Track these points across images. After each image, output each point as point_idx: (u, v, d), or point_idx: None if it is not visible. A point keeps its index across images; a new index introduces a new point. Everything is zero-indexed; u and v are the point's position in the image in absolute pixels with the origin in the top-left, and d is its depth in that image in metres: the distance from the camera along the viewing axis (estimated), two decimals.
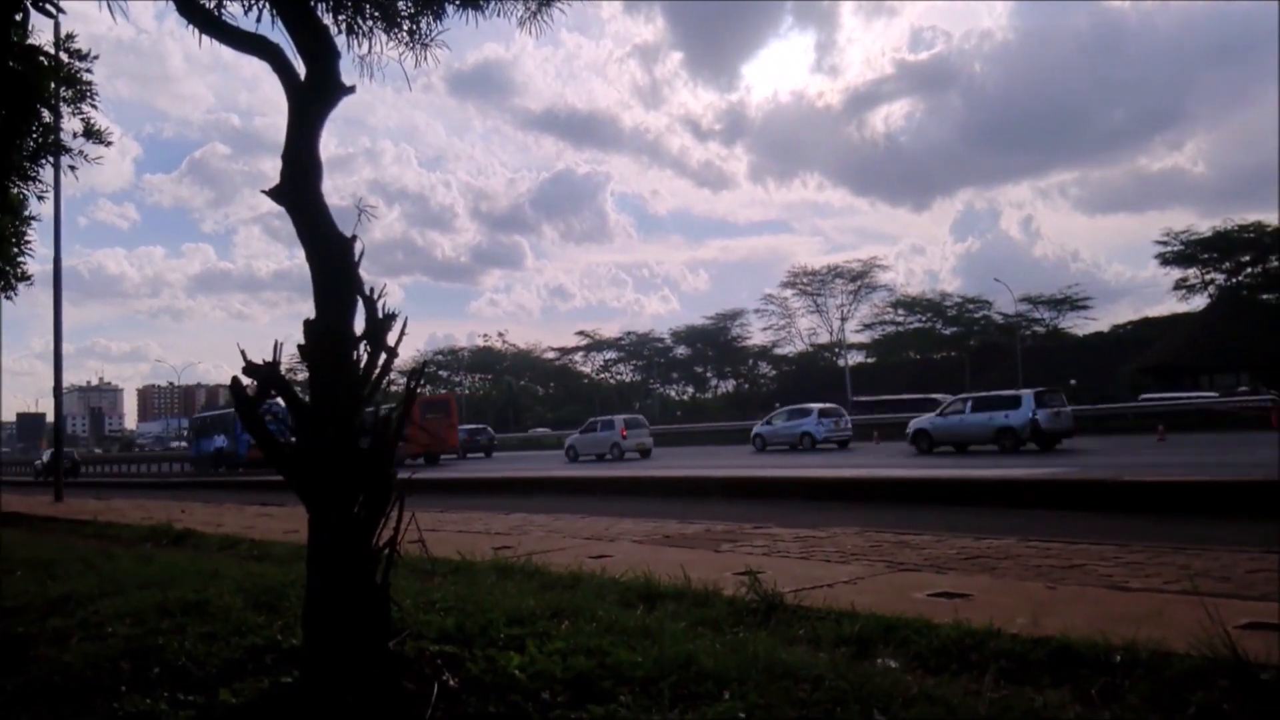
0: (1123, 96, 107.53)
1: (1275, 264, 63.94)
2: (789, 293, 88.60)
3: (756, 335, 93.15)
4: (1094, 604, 3.81)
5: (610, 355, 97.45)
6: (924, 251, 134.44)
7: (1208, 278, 66.78)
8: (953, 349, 79.25)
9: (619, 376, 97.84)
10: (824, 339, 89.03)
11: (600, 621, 3.55)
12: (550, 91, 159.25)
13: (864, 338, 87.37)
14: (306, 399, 3.16)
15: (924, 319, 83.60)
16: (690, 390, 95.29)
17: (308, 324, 3.21)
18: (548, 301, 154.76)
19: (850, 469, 17.07)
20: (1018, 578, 4.57)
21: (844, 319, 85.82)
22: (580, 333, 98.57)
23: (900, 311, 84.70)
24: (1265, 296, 63.26)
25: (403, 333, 3.26)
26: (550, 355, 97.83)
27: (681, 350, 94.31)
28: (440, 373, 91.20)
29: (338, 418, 3.14)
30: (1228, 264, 65.60)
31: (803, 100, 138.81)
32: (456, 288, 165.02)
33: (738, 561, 5.27)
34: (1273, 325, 54.06)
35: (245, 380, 3.18)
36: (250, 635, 3.62)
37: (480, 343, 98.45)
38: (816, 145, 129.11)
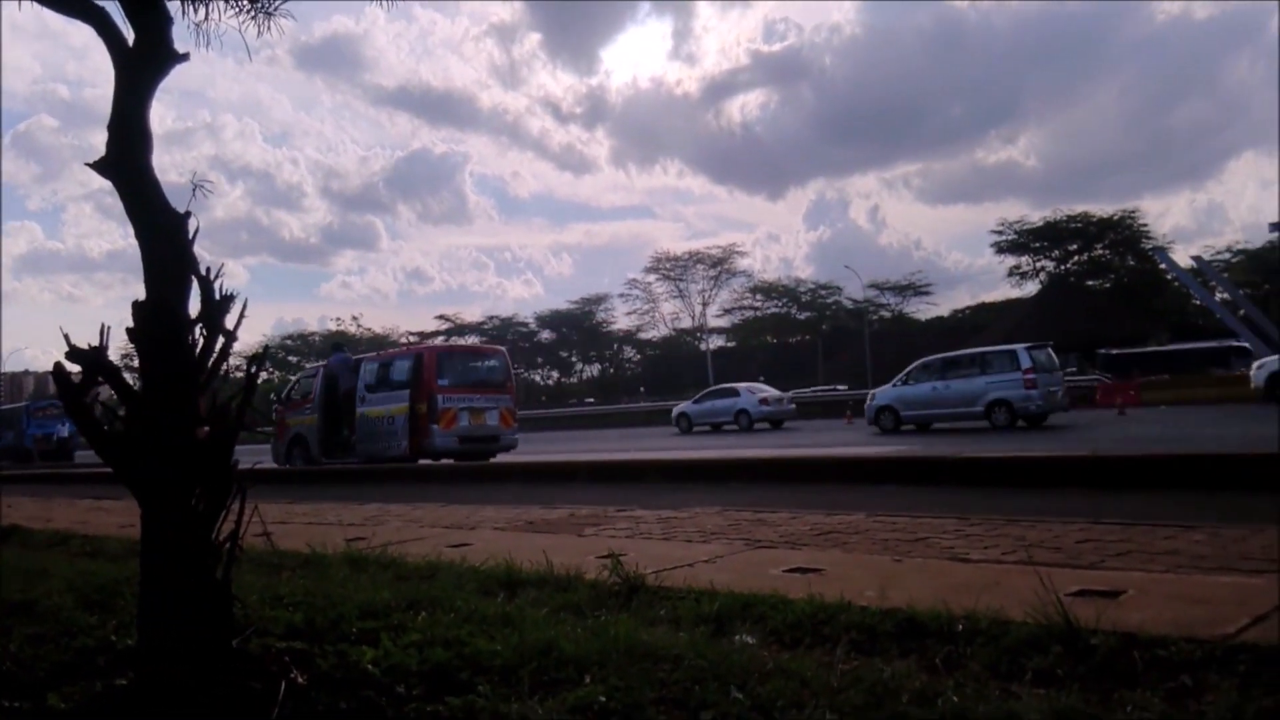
0: (961, 93, 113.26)
1: (1100, 252, 68.72)
2: (652, 278, 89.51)
3: (621, 320, 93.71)
4: (938, 575, 3.98)
5: (473, 340, 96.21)
6: (779, 239, 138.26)
7: (1039, 265, 71.26)
8: (807, 333, 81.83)
9: None
10: (687, 323, 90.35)
11: (459, 611, 3.47)
12: (404, 68, 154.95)
13: (724, 322, 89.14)
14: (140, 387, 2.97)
15: (780, 304, 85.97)
16: (555, 375, 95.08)
17: (137, 305, 3.01)
18: (405, 284, 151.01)
19: (709, 450, 17.40)
20: (867, 552, 4.74)
21: (705, 304, 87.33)
22: (440, 316, 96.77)
23: (758, 297, 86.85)
24: (1090, 283, 68.00)
25: (242, 315, 3.09)
26: (409, 340, 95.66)
27: (546, 335, 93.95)
28: (290, 358, 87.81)
29: (171, 406, 2.95)
30: (1057, 252, 70.14)
31: (661, 87, 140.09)
32: (306, 269, 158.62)
33: (601, 545, 5.27)
34: (1098, 310, 58.15)
35: (71, 366, 2.96)
36: (82, 636, 3.38)
37: (333, 327, 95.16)
38: (676, 132, 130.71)
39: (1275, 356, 27.64)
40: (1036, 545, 4.60)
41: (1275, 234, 40.35)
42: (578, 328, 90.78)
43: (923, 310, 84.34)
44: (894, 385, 23.47)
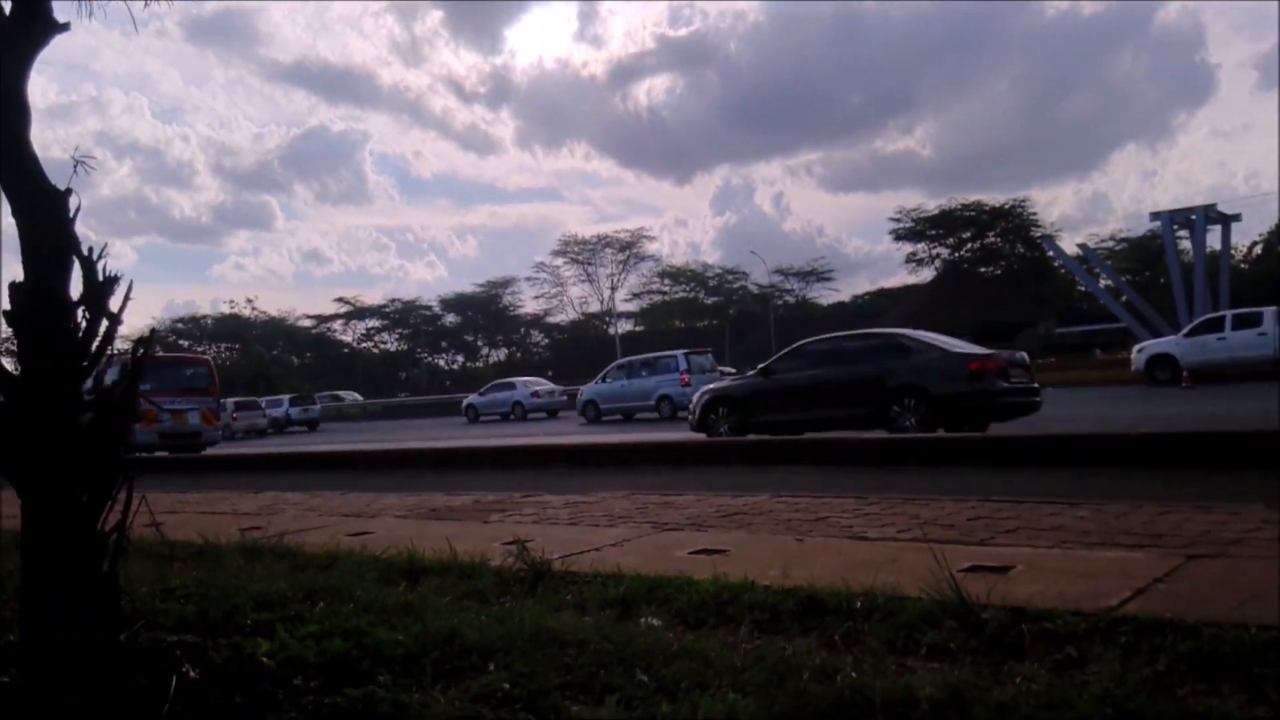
0: (861, 83, 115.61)
1: (992, 240, 71.20)
2: (560, 261, 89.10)
3: (529, 303, 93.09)
4: (838, 554, 4.07)
5: (373, 323, 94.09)
6: (686, 224, 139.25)
7: (934, 252, 73.50)
8: (714, 317, 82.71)
9: (383, 345, 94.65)
10: (595, 307, 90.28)
11: (359, 601, 3.40)
12: (300, 43, 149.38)
13: (633, 306, 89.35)
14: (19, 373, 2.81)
15: (688, 289, 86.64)
16: (461, 359, 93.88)
17: (14, 287, 2.85)
18: (302, 266, 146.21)
19: (618, 434, 17.44)
20: (771, 532, 4.82)
21: (614, 288, 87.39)
22: (339, 299, 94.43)
23: (666, 281, 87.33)
24: (983, 269, 70.42)
25: (128, 297, 2.95)
26: (306, 323, 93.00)
27: (451, 318, 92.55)
28: (181, 342, 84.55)
29: (52, 392, 2.80)
30: (951, 240, 72.44)
31: (568, 69, 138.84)
32: (198, 250, 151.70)
33: (507, 531, 5.23)
34: (989, 295, 60.25)
35: None
36: None
37: (226, 309, 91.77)
38: (583, 115, 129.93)
39: (1155, 340, 29.14)
40: (931, 523, 4.74)
41: (1155, 223, 42.45)
42: (484, 311, 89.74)
43: (825, 295, 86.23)
44: (595, 383, 28.17)
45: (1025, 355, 13.99)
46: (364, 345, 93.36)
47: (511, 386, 37.54)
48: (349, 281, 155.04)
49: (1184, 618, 2.64)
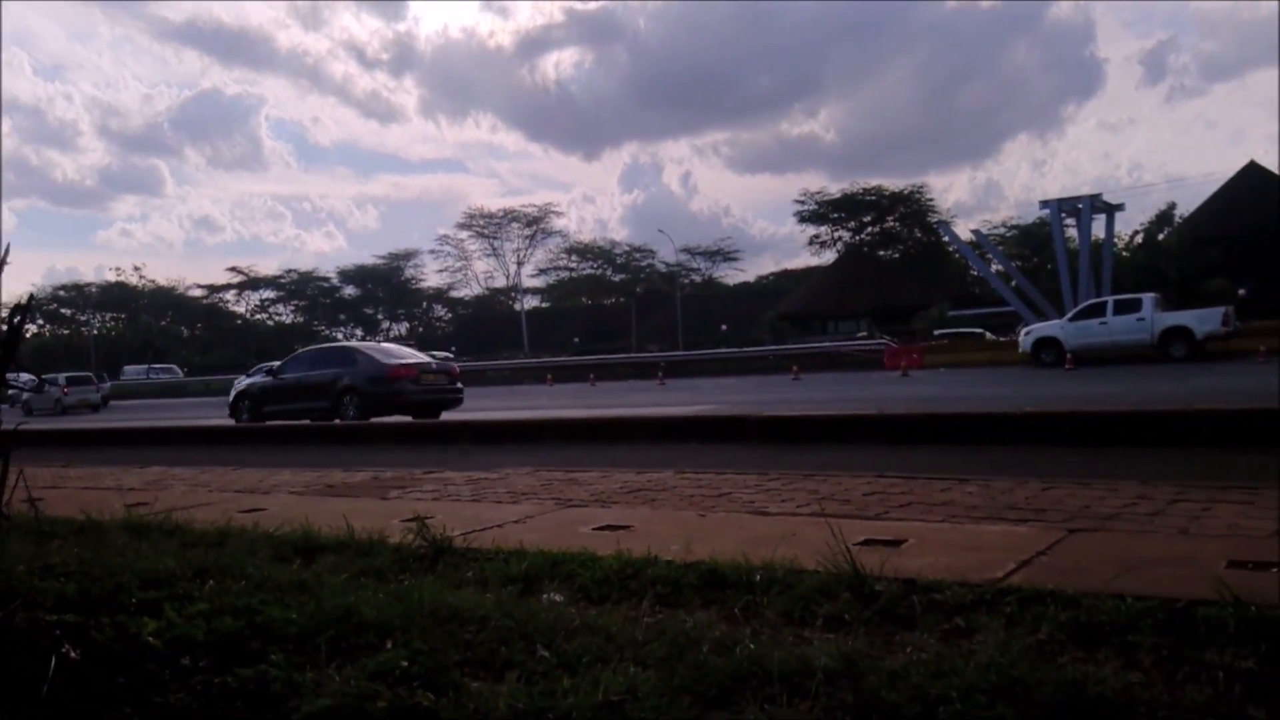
0: (768, 65, 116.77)
1: (891, 224, 73.00)
2: (465, 234, 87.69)
3: (432, 277, 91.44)
4: (739, 529, 4.13)
5: (268, 294, 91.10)
6: (595, 200, 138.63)
7: (836, 235, 74.94)
8: (621, 295, 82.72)
9: (278, 317, 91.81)
10: (501, 283, 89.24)
11: (250, 579, 3.29)
12: (192, 1, 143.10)
13: (540, 282, 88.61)
14: None
15: (595, 266, 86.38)
16: (360, 333, 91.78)
17: None
18: (192, 233, 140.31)
19: (525, 410, 17.33)
20: (674, 508, 4.86)
21: (520, 263, 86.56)
22: (232, 269, 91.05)
23: (574, 258, 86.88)
24: (882, 253, 72.20)
25: (3, 261, 2.79)
26: (197, 293, 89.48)
27: (350, 290, 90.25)
28: (63, 310, 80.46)
29: None
30: (853, 223, 73.95)
31: (474, 38, 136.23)
32: (82, 214, 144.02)
33: (406, 508, 5.14)
34: (887, 278, 61.87)
35: None
36: None
37: (112, 277, 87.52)
38: (489, 86, 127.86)
39: (1041, 324, 30.38)
40: (828, 498, 4.86)
41: (1045, 211, 44.14)
42: (385, 284, 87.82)
43: (731, 275, 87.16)
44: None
45: (451, 360, 19.29)
46: (258, 317, 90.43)
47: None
48: (243, 251, 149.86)
49: (1064, 589, 2.76)
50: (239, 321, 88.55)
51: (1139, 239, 53.59)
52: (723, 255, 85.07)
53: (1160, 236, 51.95)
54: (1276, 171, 53.31)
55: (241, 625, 2.77)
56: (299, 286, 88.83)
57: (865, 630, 2.58)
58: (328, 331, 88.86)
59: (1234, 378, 16.20)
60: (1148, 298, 26.84)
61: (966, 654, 2.31)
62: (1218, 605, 2.44)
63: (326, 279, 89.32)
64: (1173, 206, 55.20)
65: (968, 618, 2.63)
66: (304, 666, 2.49)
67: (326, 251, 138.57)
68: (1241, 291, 42.34)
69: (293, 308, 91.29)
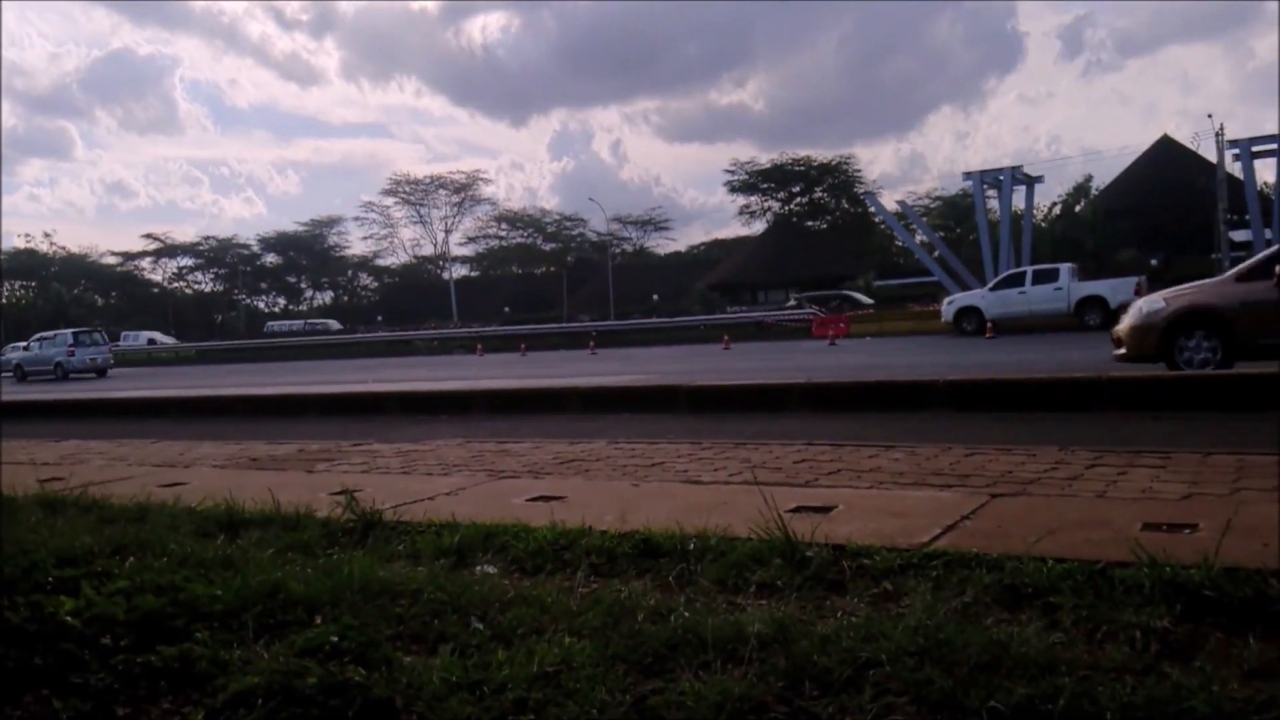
0: (697, 33, 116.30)
1: (819, 195, 73.73)
2: (390, 201, 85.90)
3: (356, 245, 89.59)
4: (673, 498, 4.15)
5: (186, 262, 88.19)
6: (524, 168, 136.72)
7: (766, 205, 75.39)
8: (552, 264, 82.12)
9: (197, 285, 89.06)
10: (428, 251, 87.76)
11: (173, 555, 3.21)
12: None
13: (468, 251, 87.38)
14: None
15: (526, 234, 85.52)
16: (282, 302, 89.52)
17: None
18: (105, 199, 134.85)
19: (453, 380, 17.13)
20: (608, 478, 4.86)
21: (448, 231, 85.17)
22: (148, 235, 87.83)
23: (503, 226, 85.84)
24: (810, 223, 72.92)
25: None
26: (111, 260, 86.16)
27: (271, 258, 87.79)
28: None
29: None
30: (782, 193, 74.44)
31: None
32: None
33: (334, 481, 5.05)
34: (816, 249, 62.57)
35: None
36: None
37: (20, 244, 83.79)
38: (413, 49, 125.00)
39: (963, 294, 31.07)
40: (760, 466, 4.91)
41: (967, 183, 45.03)
42: (307, 251, 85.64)
43: (662, 245, 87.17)
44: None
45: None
46: (175, 285, 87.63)
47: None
48: (158, 217, 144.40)
49: (988, 552, 2.84)
50: (155, 290, 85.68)
51: (1057, 210, 55.02)
52: (654, 224, 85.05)
53: (1077, 208, 53.40)
54: (1188, 145, 55.15)
55: (164, 603, 2.69)
56: (218, 254, 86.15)
57: (797, 596, 2.61)
58: (248, 300, 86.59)
59: None
60: (1065, 268, 27.63)
61: (895, 617, 2.36)
62: (1134, 567, 2.53)
63: (246, 246, 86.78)
64: (1089, 179, 56.77)
65: (896, 582, 2.69)
66: (230, 644, 2.44)
67: (246, 218, 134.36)
68: (1153, 262, 43.85)
69: (212, 276, 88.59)
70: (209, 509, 4.09)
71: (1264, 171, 40.16)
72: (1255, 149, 37.39)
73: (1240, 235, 41.53)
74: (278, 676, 2.20)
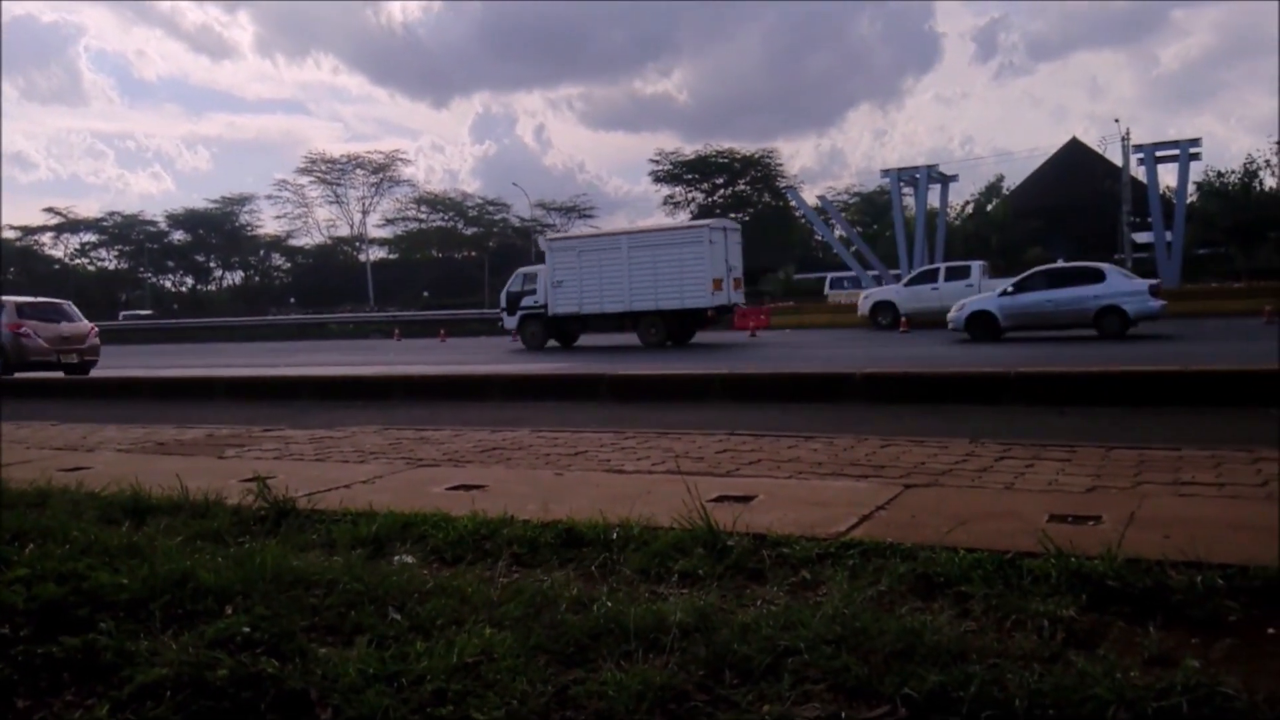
0: (622, 21, 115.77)
1: (742, 187, 74.41)
2: (305, 180, 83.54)
3: (269, 224, 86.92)
4: (596, 487, 4.15)
5: (89, 238, 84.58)
6: (444, 150, 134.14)
7: (690, 196, 75.72)
8: (474, 249, 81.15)
9: (101, 262, 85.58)
10: (344, 232, 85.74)
11: (75, 543, 3.09)
12: None
13: (386, 233, 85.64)
14: None
15: (446, 218, 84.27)
16: (190, 281, 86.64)
17: None
18: (4, 170, 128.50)
19: (369, 367, 16.83)
20: (530, 467, 4.83)
21: (365, 212, 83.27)
22: (49, 209, 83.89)
23: (423, 209, 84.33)
24: (733, 215, 73.53)
25: None
26: (10, 235, 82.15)
27: (179, 236, 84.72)
28: None
29: None
30: (706, 185, 74.90)
31: None
32: None
33: (245, 467, 4.92)
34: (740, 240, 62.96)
35: None
36: None
37: None
38: (330, 25, 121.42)
39: (879, 288, 31.74)
40: (683, 456, 4.94)
41: (885, 180, 46.00)
42: (217, 230, 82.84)
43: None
44: None
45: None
46: (78, 262, 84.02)
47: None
48: (60, 191, 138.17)
49: (903, 542, 2.91)
50: (57, 266, 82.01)
51: (970, 209, 56.54)
52: (578, 212, 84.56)
53: (989, 207, 54.97)
54: (1096, 149, 57.22)
55: (66, 592, 2.60)
56: (123, 230, 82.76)
57: (718, 585, 2.64)
58: (155, 279, 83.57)
59: (1050, 343, 17.41)
60: (976, 265, 28.43)
61: (813, 606, 2.40)
62: (1042, 557, 2.62)
63: (153, 223, 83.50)
64: (1001, 179, 58.46)
65: (814, 571, 2.74)
66: (137, 634, 2.36)
67: (153, 194, 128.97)
68: (1060, 261, 45.42)
69: (116, 253, 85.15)
70: (114, 495, 3.94)
71: (1166, 176, 41.94)
72: (1159, 154, 38.94)
73: (1143, 237, 43.33)
74: (187, 668, 2.13)
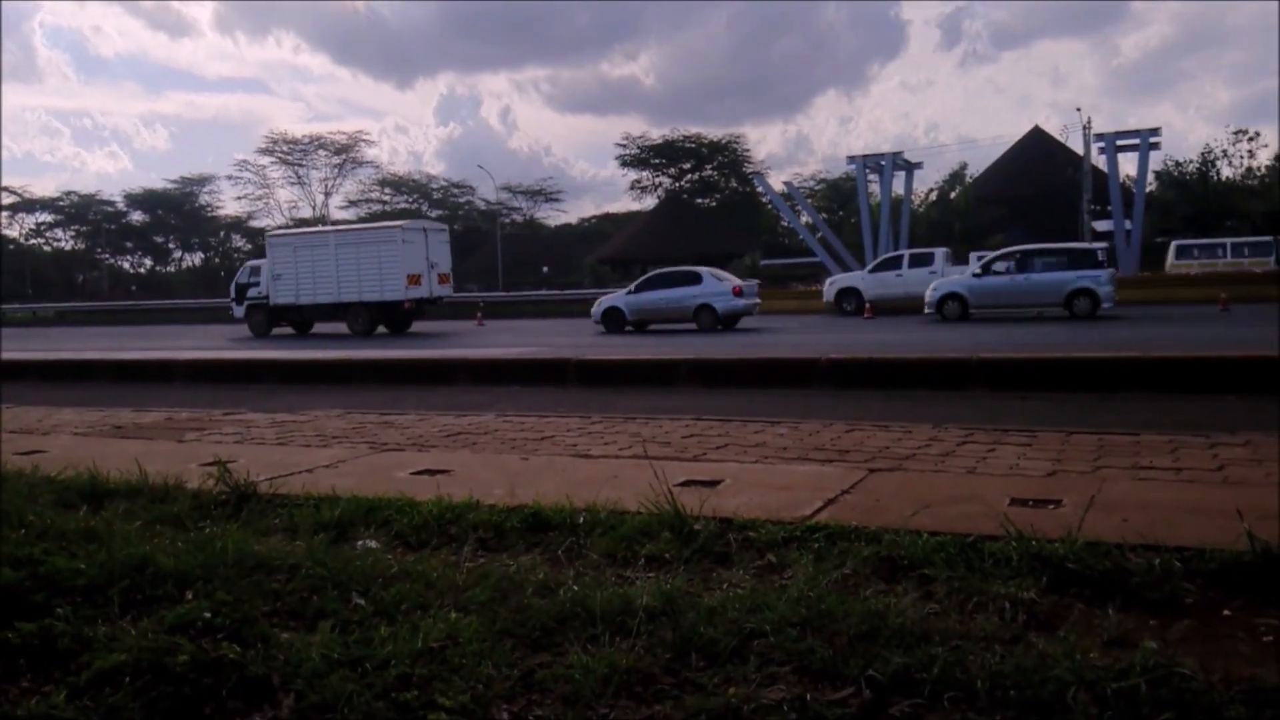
0: (588, 2, 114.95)
1: (709, 172, 74.42)
2: (267, 160, 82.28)
3: (230, 205, 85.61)
4: (562, 472, 4.14)
5: (45, 218, 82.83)
6: (408, 131, 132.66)
7: (657, 181, 75.63)
8: None
9: (57, 243, 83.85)
10: (306, 213, 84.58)
11: (31, 527, 3.03)
12: None
13: (350, 215, 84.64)
14: None
15: (411, 200, 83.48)
16: (149, 262, 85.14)
17: None
18: None
19: (332, 350, 16.66)
20: (496, 452, 4.81)
21: (328, 194, 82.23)
22: (3, 189, 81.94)
23: (387, 190, 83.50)
24: (700, 201, 73.59)
25: None
26: None
27: (138, 216, 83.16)
28: None
29: None
30: (673, 170, 74.81)
31: None
32: None
33: (205, 451, 4.85)
34: (704, 225, 63.17)
35: None
36: None
37: None
38: (291, 3, 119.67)
39: (844, 275, 31.92)
40: (650, 440, 4.94)
41: (851, 166, 46.20)
42: (177, 210, 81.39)
43: (553, 216, 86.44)
44: None
45: None
46: (34, 242, 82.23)
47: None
48: (14, 169, 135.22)
49: (867, 525, 2.94)
50: (12, 247, 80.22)
51: (934, 196, 56.98)
52: (544, 195, 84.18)
53: (952, 195, 55.43)
54: (1058, 137, 57.87)
55: (23, 576, 2.55)
56: (80, 210, 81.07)
57: (685, 569, 2.64)
58: (113, 260, 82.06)
59: (1011, 328, 17.62)
60: (939, 252, 28.66)
61: (779, 589, 2.41)
62: (1003, 540, 2.66)
63: (111, 203, 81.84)
64: (964, 167, 58.95)
65: (780, 554, 2.75)
66: (95, 620, 2.32)
67: (111, 173, 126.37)
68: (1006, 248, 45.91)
69: (73, 233, 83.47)
70: (70, 479, 3.87)
71: (1126, 165, 42.53)
72: (1119, 143, 39.50)
73: (1103, 225, 43.94)
74: (146, 653, 2.10)
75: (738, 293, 21.65)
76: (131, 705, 1.96)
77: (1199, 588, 2.36)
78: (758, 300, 22.95)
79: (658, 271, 23.78)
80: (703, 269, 22.80)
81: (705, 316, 21.15)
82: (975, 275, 21.52)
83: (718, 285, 21.79)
